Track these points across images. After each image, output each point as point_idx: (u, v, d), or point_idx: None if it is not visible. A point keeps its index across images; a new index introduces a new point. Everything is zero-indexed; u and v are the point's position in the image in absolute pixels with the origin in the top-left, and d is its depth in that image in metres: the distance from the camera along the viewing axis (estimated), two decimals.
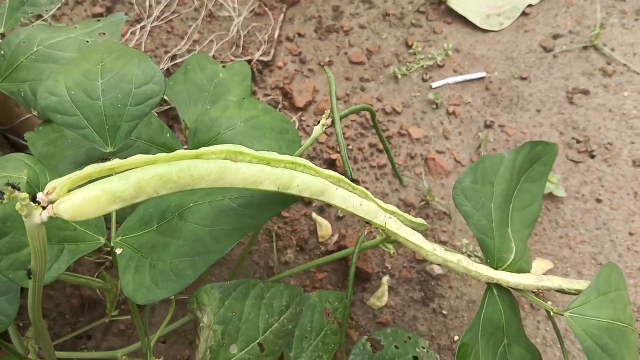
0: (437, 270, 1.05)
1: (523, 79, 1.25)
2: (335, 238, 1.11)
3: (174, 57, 1.31)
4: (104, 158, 0.71)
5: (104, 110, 0.62)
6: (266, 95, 1.27)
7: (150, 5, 1.39)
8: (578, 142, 1.16)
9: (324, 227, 1.11)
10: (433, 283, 1.04)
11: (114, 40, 0.82)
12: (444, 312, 1.02)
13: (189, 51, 1.31)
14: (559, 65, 1.25)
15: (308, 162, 0.58)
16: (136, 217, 0.62)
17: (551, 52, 1.28)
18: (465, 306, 1.02)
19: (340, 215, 1.13)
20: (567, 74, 1.24)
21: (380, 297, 1.04)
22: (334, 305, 0.95)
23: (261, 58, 1.30)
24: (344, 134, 1.20)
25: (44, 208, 0.42)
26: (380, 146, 1.18)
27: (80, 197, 0.41)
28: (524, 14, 1.34)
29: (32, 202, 0.41)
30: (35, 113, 0.76)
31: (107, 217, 0.63)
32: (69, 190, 0.42)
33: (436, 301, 1.03)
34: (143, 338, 0.72)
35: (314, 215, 1.12)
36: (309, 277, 1.08)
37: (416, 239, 0.64)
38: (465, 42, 1.31)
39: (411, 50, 1.30)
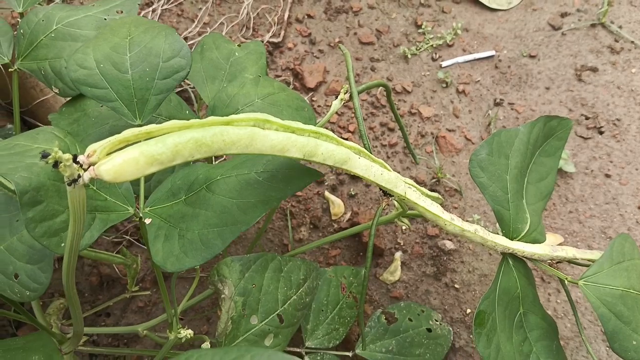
0: (449, 245, 1.07)
1: (532, 57, 1.26)
2: (347, 216, 1.13)
3: (185, 40, 1.32)
4: None
5: (132, 84, 0.63)
6: (277, 76, 1.28)
7: None
8: (587, 118, 1.17)
9: (337, 205, 1.13)
10: (445, 258, 1.06)
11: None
12: (456, 286, 1.04)
13: (199, 34, 1.32)
14: (567, 43, 1.27)
15: (330, 133, 0.60)
16: (164, 188, 0.64)
17: (559, 30, 1.29)
18: (477, 280, 1.04)
19: (353, 193, 1.14)
20: (576, 52, 1.25)
21: (393, 272, 1.06)
22: (349, 280, 0.97)
23: (271, 39, 1.31)
24: (354, 114, 1.22)
25: (84, 170, 0.43)
26: (391, 125, 1.20)
27: (120, 159, 0.43)
28: None
29: (74, 164, 0.42)
30: (56, 91, 0.78)
31: (134, 189, 0.65)
32: (109, 153, 0.44)
33: (448, 275, 1.05)
34: (169, 308, 0.73)
35: (326, 193, 1.14)
36: (322, 254, 1.10)
37: (434, 209, 0.66)
38: (474, 22, 1.32)
39: (420, 30, 1.31)
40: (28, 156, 0.57)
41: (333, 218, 1.13)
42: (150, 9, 1.37)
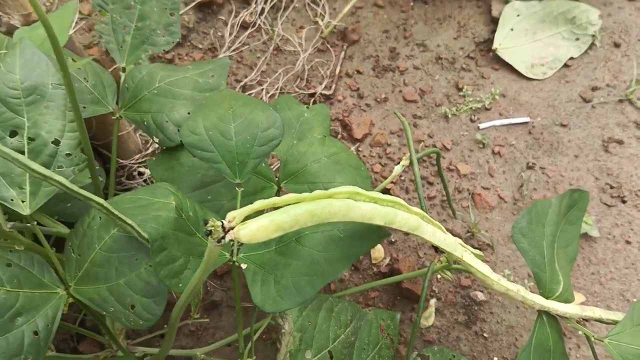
0: (480, 296, 1.17)
1: (563, 125, 1.37)
2: (387, 261, 1.23)
3: (244, 87, 1.44)
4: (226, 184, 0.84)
5: (235, 149, 0.75)
6: None
7: (222, 36, 1.53)
8: (611, 187, 1.27)
9: (378, 250, 1.23)
10: (476, 308, 1.16)
11: (221, 82, 0.95)
12: (485, 335, 1.13)
13: (259, 83, 1.45)
14: (596, 116, 1.38)
15: (403, 202, 0.71)
16: None
17: (590, 102, 1.40)
18: (504, 331, 1.14)
19: (393, 240, 1.25)
20: (604, 124, 1.36)
21: (428, 318, 1.15)
22: (387, 323, 1.07)
23: (323, 92, 1.44)
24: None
25: (226, 232, 0.54)
26: (431, 179, 1.31)
27: (255, 225, 0.54)
28: (565, 65, 1.47)
29: (220, 228, 0.53)
30: (156, 141, 0.90)
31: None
32: (244, 220, 0.55)
33: (478, 324, 1.14)
34: (241, 339, 0.84)
35: None
36: (362, 295, 1.20)
37: (485, 270, 0.77)
38: (511, 88, 1.44)
39: (461, 93, 1.43)
40: (152, 209, 0.68)
41: (373, 262, 1.23)
42: (212, 54, 1.50)
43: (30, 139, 0.72)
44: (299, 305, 0.67)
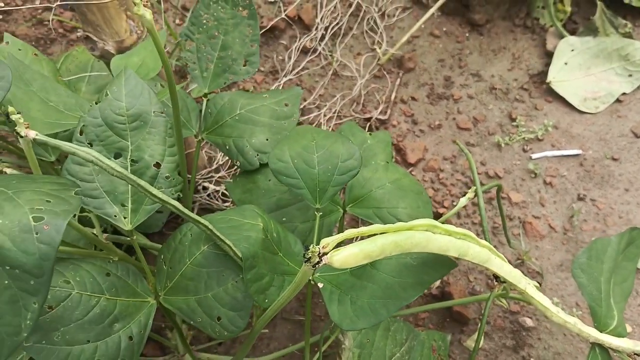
0: (529, 322, 1.20)
1: (614, 159, 1.40)
2: (438, 283, 1.28)
3: (303, 110, 1.51)
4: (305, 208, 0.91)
5: (318, 177, 0.81)
6: None
7: (283, 60, 1.61)
8: None
9: None
10: (524, 333, 1.19)
11: (295, 111, 1.02)
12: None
13: (317, 107, 1.51)
14: None
15: (473, 234, 0.76)
16: None
17: None
18: (551, 357, 1.17)
19: None
20: None
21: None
22: (438, 344, 1.11)
23: (379, 116, 1.50)
24: (450, 192, 1.38)
25: (320, 257, 0.60)
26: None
27: (346, 253, 0.60)
28: (618, 100, 1.50)
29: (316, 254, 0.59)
30: (237, 164, 0.97)
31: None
32: (335, 247, 0.61)
33: (526, 350, 1.18)
34: (307, 349, 0.90)
35: None
36: (412, 316, 1.25)
37: (546, 302, 0.81)
38: (564, 121, 1.47)
39: (514, 123, 1.48)
40: (243, 229, 0.75)
41: None
42: (273, 77, 1.58)
43: (134, 161, 0.79)
44: (373, 325, 0.72)
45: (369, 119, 1.50)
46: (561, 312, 0.83)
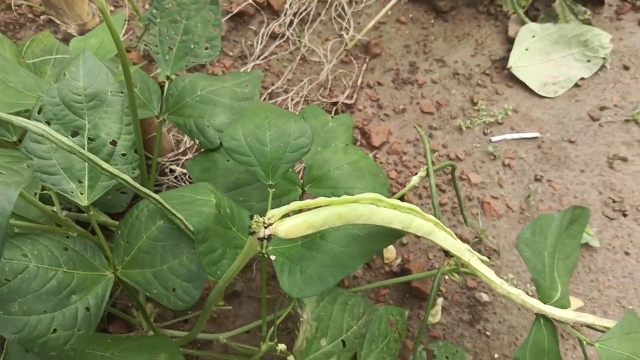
0: (485, 297, 1.25)
1: (571, 142, 1.45)
2: (398, 261, 1.32)
3: (271, 94, 1.54)
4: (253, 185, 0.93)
5: (270, 155, 0.84)
6: None
7: (251, 45, 1.63)
8: (614, 201, 1.35)
9: (390, 250, 1.32)
10: (480, 308, 1.24)
11: (255, 93, 1.05)
12: (487, 333, 1.21)
13: (285, 91, 1.54)
14: (603, 134, 1.46)
15: (418, 209, 0.79)
16: None
17: (597, 121, 1.48)
18: (505, 330, 1.22)
19: (404, 242, 1.33)
20: (610, 142, 1.44)
21: (435, 315, 1.24)
22: (396, 318, 1.15)
23: (345, 101, 1.53)
24: (412, 174, 1.42)
25: (265, 228, 0.63)
26: (442, 187, 1.39)
27: (290, 223, 0.63)
28: (576, 85, 1.54)
29: (262, 224, 0.62)
30: (198, 143, 0.99)
31: None
32: (281, 218, 0.64)
33: (481, 323, 1.22)
34: (265, 323, 0.93)
35: None
36: (373, 292, 1.29)
37: (489, 274, 0.85)
38: (523, 105, 1.52)
39: (476, 107, 1.52)
40: (196, 205, 0.78)
41: (385, 261, 1.32)
42: (242, 62, 1.60)
43: (90, 139, 0.81)
44: (321, 292, 0.76)
45: (335, 104, 1.53)
46: (505, 283, 0.87)
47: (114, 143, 0.82)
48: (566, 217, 0.96)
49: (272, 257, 0.82)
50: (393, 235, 0.84)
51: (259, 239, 0.63)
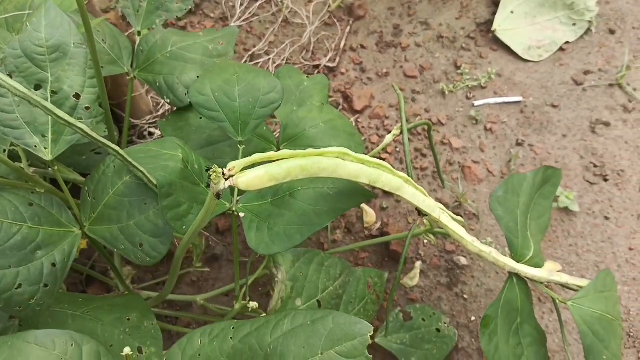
0: (463, 261, 1.25)
1: (554, 106, 1.44)
2: (378, 225, 1.31)
3: (252, 56, 1.51)
4: (224, 142, 0.92)
5: (239, 110, 0.82)
6: (329, 97, 1.47)
7: (233, 6, 1.59)
8: (595, 166, 1.34)
9: (370, 214, 1.31)
10: (458, 271, 1.24)
11: (229, 50, 1.02)
12: (465, 296, 1.22)
13: (266, 52, 1.51)
14: (586, 98, 1.44)
15: (388, 165, 0.78)
16: (255, 191, 0.83)
17: (581, 85, 1.46)
18: (483, 293, 1.22)
19: (385, 206, 1.33)
20: (593, 107, 1.43)
21: (413, 278, 1.24)
22: (374, 281, 1.15)
23: (328, 64, 1.50)
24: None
25: (226, 180, 0.62)
26: (424, 151, 1.38)
27: (252, 175, 0.62)
28: (561, 49, 1.52)
29: (221, 175, 0.61)
30: (167, 101, 0.97)
31: (231, 190, 0.84)
32: (243, 169, 0.63)
33: (459, 287, 1.23)
34: (238, 283, 0.92)
35: (362, 204, 1.32)
36: (353, 255, 1.28)
37: (460, 231, 0.85)
38: (507, 69, 1.50)
39: (459, 71, 1.50)
40: (161, 159, 0.76)
41: (365, 225, 1.31)
42: (223, 23, 1.56)
43: (54, 92, 0.79)
44: (297, 253, 0.75)
45: (317, 67, 1.50)
46: (476, 241, 0.87)
47: (77, 96, 0.80)
48: (538, 176, 0.95)
49: (241, 214, 0.81)
50: (363, 194, 0.83)
51: (218, 191, 0.62)
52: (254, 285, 1.28)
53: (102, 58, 0.98)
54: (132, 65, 1.01)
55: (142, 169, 0.71)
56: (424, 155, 1.37)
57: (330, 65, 1.50)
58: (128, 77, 1.01)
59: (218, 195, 0.59)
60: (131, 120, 1.36)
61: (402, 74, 1.51)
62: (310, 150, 0.68)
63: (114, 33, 1.01)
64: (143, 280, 1.28)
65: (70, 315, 0.81)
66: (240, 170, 0.63)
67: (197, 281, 1.28)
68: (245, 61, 1.49)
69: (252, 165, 0.64)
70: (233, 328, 0.61)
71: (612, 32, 1.54)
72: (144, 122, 1.37)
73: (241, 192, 0.85)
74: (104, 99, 0.81)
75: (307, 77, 1.14)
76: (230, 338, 0.60)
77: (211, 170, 0.59)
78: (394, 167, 1.33)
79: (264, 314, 0.96)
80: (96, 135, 0.66)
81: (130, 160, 0.70)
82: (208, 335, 0.62)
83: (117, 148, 0.68)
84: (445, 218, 0.83)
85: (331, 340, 0.55)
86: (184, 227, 0.74)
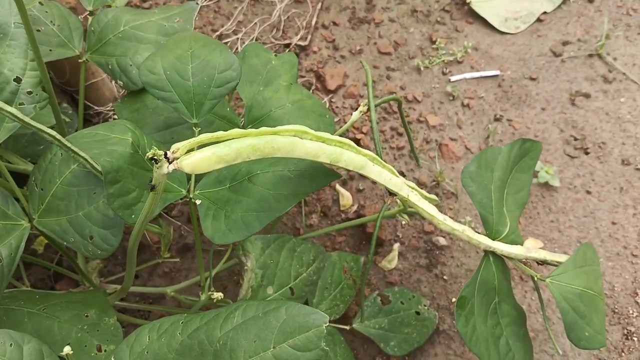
0: (442, 241, 1.21)
1: (532, 79, 1.39)
2: (354, 208, 1.27)
3: (220, 36, 1.45)
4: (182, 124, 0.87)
5: (192, 89, 0.77)
6: (301, 77, 1.42)
7: None
8: (575, 139, 1.31)
9: (346, 197, 1.27)
10: (437, 252, 1.20)
11: (187, 27, 0.97)
12: (444, 277, 1.18)
13: (234, 32, 1.45)
14: (565, 70, 1.40)
15: (352, 143, 0.74)
16: (212, 176, 0.78)
17: (560, 57, 1.42)
18: (463, 274, 1.19)
19: (361, 188, 1.29)
20: (572, 78, 1.39)
21: (391, 261, 1.20)
22: (350, 265, 1.12)
23: (299, 42, 1.45)
24: (368, 117, 1.36)
25: (170, 162, 0.57)
26: (400, 130, 1.34)
27: (198, 156, 0.57)
28: (538, 20, 1.48)
29: (164, 157, 0.56)
30: (120, 84, 0.92)
31: (188, 176, 0.79)
32: (188, 151, 0.58)
33: (439, 268, 1.19)
34: (203, 273, 0.88)
35: (337, 186, 1.28)
36: (329, 239, 1.24)
37: (431, 210, 0.81)
38: (484, 42, 1.45)
39: (434, 46, 1.45)
40: (108, 144, 0.71)
41: (341, 209, 1.27)
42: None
43: None
44: (246, 237, 0.71)
45: (288, 45, 1.45)
46: (448, 219, 0.83)
47: (18, 80, 0.75)
48: (514, 149, 0.91)
49: (198, 202, 0.76)
50: (327, 175, 0.79)
51: (161, 176, 0.57)
52: (231, 273, 1.24)
53: (50, 40, 0.93)
54: (83, 48, 0.96)
55: (84, 154, 0.66)
56: (400, 134, 1.33)
57: (302, 43, 1.45)
58: (80, 61, 0.95)
59: (152, 187, 0.54)
60: (94, 108, 1.30)
61: (376, 50, 1.46)
62: (263, 128, 0.64)
63: (63, 14, 0.96)
64: (113, 272, 1.23)
65: (27, 313, 0.77)
66: (186, 152, 0.58)
67: (170, 272, 1.23)
68: None
69: (203, 147, 0.60)
70: (182, 323, 0.56)
71: (590, 0, 1.50)
72: (108, 108, 1.32)
73: (199, 178, 0.80)
74: (47, 83, 0.76)
75: (275, 55, 1.08)
76: (179, 333, 0.55)
77: (151, 152, 0.55)
78: (368, 148, 1.29)
79: (229, 302, 0.92)
80: (28, 119, 0.61)
81: (69, 145, 0.65)
82: (157, 331, 0.58)
83: (52, 133, 0.63)
84: (414, 196, 0.79)
85: (284, 332, 0.51)
86: (133, 216, 0.69)
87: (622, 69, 1.39)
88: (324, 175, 0.78)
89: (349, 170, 0.72)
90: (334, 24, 1.50)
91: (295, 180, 0.76)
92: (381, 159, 0.80)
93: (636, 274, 1.16)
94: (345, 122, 1.34)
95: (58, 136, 0.64)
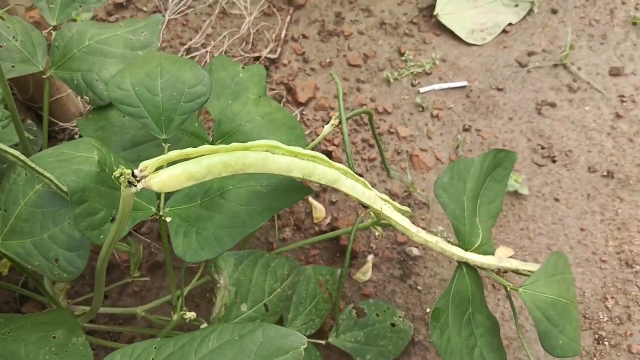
0: (415, 252, 1.22)
1: (499, 89, 1.42)
2: (328, 220, 1.27)
3: (189, 50, 1.44)
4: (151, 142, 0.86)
5: (162, 105, 0.76)
6: (272, 89, 1.41)
7: None
8: (543, 148, 1.33)
9: (319, 210, 1.27)
10: (411, 263, 1.21)
11: (154, 40, 0.95)
12: (419, 287, 1.18)
13: (203, 45, 1.44)
14: (531, 80, 1.43)
15: (325, 157, 0.74)
16: (182, 193, 0.77)
17: (525, 67, 1.45)
18: (437, 284, 1.19)
19: (334, 200, 1.28)
20: (538, 88, 1.41)
21: (365, 273, 1.20)
22: (326, 278, 1.11)
23: (268, 55, 1.44)
24: (340, 129, 1.36)
25: (138, 181, 0.56)
26: (371, 142, 1.34)
27: (166, 175, 0.56)
28: (504, 31, 1.51)
29: (131, 176, 0.55)
30: (86, 99, 0.90)
31: (157, 193, 0.78)
32: (156, 169, 0.57)
33: (413, 278, 1.19)
34: (174, 292, 0.86)
35: (310, 199, 1.27)
36: (303, 253, 1.23)
37: (404, 222, 0.81)
38: (451, 53, 1.47)
39: (403, 58, 1.46)
40: (74, 163, 0.69)
41: (315, 221, 1.27)
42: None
43: None
44: (218, 255, 0.69)
45: (258, 58, 1.44)
46: (422, 231, 0.83)
47: None
48: (487, 160, 0.92)
49: (168, 219, 0.75)
50: (300, 190, 0.78)
51: (129, 194, 0.55)
52: (203, 291, 1.21)
53: (13, 56, 0.90)
54: (47, 63, 0.93)
55: (48, 175, 0.64)
56: (372, 146, 1.33)
57: (272, 56, 1.44)
58: (44, 77, 0.93)
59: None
60: (59, 124, 1.27)
61: (346, 63, 1.46)
62: (234, 144, 0.63)
63: (26, 29, 0.93)
64: (81, 293, 1.20)
65: None
66: (155, 170, 0.57)
67: (140, 291, 1.21)
68: (182, 55, 1.42)
69: (172, 164, 0.59)
70: (155, 348, 0.55)
71: (554, 11, 1.53)
72: (74, 124, 1.29)
73: (169, 195, 0.79)
74: (9, 100, 0.73)
75: (242, 68, 1.08)
76: (152, 359, 0.54)
77: (118, 171, 0.53)
78: (340, 160, 1.29)
79: (205, 324, 0.90)
80: None
81: (33, 165, 0.62)
82: (129, 357, 0.56)
83: (16, 153, 0.61)
84: (388, 209, 0.79)
85: (261, 356, 0.50)
86: (102, 236, 0.67)
87: (586, 78, 1.42)
88: (296, 189, 0.77)
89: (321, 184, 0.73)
90: (304, 36, 1.50)
91: (268, 195, 0.75)
92: (353, 171, 0.79)
93: (605, 279, 1.18)
94: (317, 135, 1.34)
95: (21, 156, 0.62)
